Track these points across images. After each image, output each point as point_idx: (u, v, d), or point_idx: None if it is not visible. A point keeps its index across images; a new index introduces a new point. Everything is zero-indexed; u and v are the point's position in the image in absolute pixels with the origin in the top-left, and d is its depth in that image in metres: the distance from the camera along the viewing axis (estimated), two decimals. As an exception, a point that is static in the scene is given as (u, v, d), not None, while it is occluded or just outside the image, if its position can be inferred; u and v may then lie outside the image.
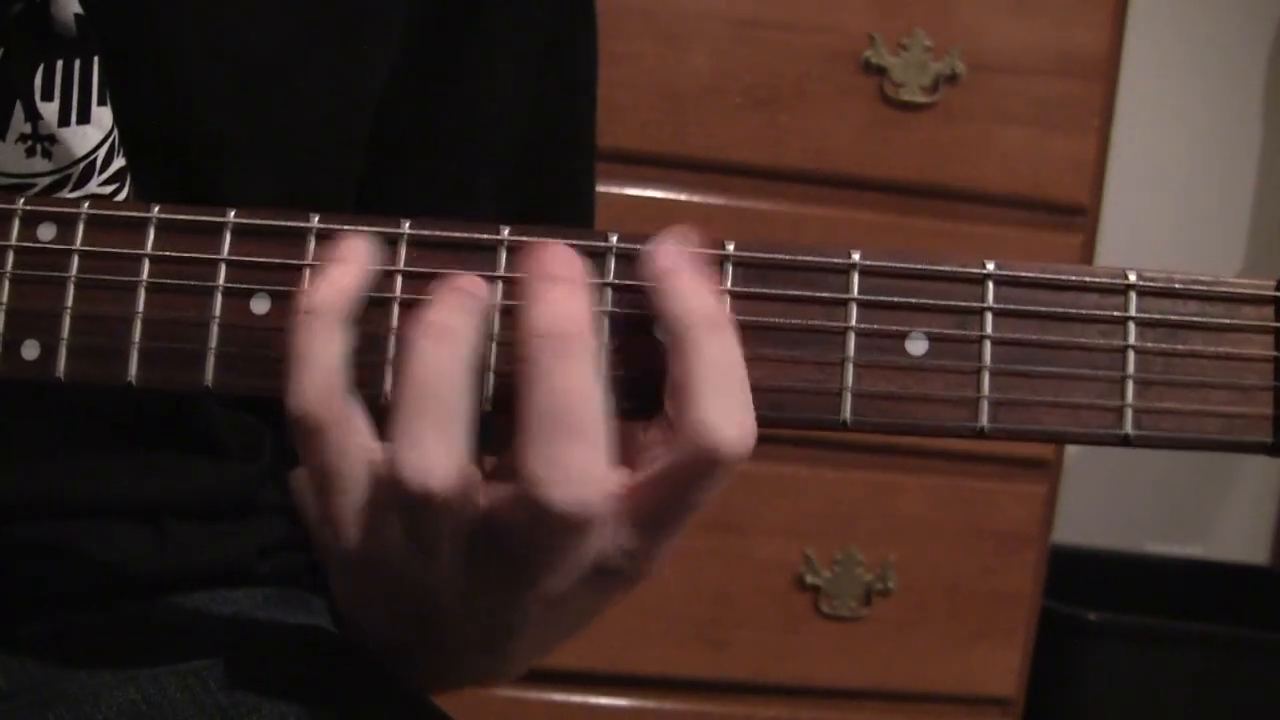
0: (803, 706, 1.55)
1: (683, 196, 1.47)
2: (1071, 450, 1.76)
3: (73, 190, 0.62)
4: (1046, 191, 1.52)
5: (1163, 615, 1.82)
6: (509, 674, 0.60)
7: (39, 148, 0.61)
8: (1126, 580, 1.99)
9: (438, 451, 0.48)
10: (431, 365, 0.48)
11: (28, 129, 0.61)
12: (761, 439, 0.50)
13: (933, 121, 1.49)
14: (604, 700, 1.51)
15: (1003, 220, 1.52)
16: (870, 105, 1.48)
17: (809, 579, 1.52)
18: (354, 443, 0.50)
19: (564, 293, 0.49)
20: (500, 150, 0.74)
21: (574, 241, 0.50)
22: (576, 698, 1.50)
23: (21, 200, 0.53)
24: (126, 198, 0.63)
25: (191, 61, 0.64)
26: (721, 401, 0.48)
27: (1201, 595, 1.99)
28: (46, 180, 0.62)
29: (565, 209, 0.77)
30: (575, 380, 0.48)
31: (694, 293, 0.49)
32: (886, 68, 1.47)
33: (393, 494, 0.49)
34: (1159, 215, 2.11)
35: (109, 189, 0.63)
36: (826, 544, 1.52)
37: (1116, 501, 2.11)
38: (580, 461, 0.47)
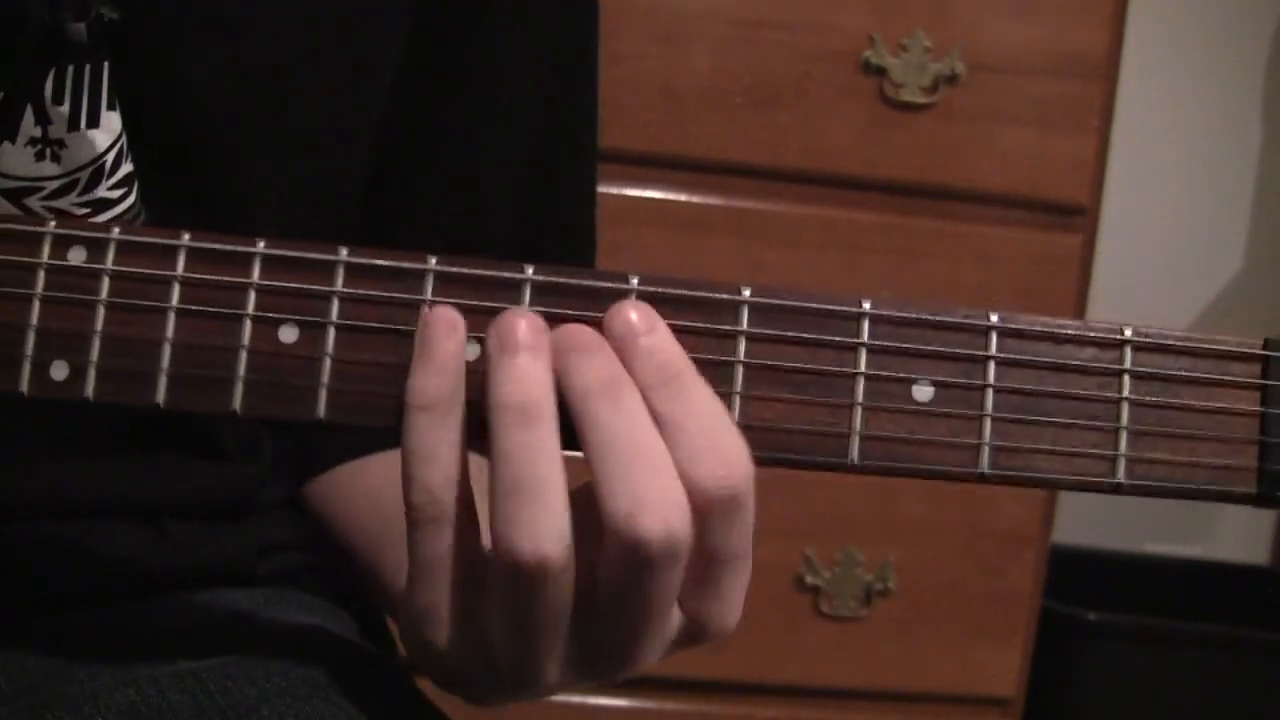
0: (803, 706, 1.55)
1: (682, 196, 1.47)
2: (1071, 450, 1.76)
3: (80, 194, 0.62)
4: (1046, 191, 1.52)
5: (1163, 615, 1.82)
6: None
7: (48, 151, 0.61)
8: (1126, 580, 1.99)
9: (545, 523, 0.48)
10: (521, 451, 0.48)
11: (38, 132, 0.61)
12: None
13: (932, 122, 1.49)
14: (604, 700, 1.51)
15: (1002, 220, 1.52)
16: (870, 105, 1.48)
17: (809, 579, 1.52)
18: (468, 533, 0.50)
19: (601, 354, 0.49)
20: (511, 154, 0.74)
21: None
22: (576, 698, 1.50)
23: (53, 223, 0.53)
24: (134, 202, 0.63)
25: (195, 65, 0.64)
26: (704, 445, 0.49)
27: (1201, 595, 1.99)
28: (55, 184, 0.62)
29: (576, 214, 0.77)
30: (632, 414, 0.48)
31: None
32: (886, 68, 1.47)
33: (500, 577, 0.49)
34: (1159, 215, 2.11)
35: (117, 193, 0.63)
36: (826, 544, 1.52)
37: (1116, 501, 2.10)
38: (658, 484, 0.48)
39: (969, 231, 1.51)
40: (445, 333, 0.50)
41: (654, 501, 0.48)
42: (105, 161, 0.62)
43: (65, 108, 0.61)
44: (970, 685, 1.57)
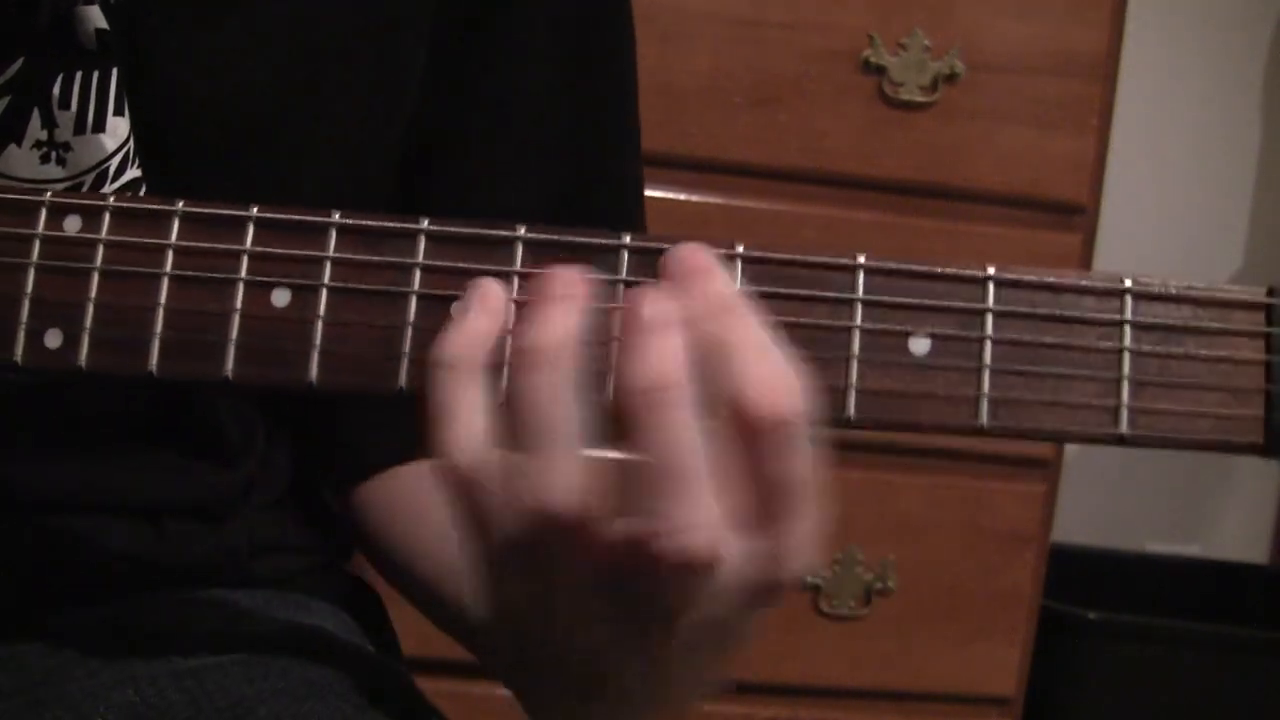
0: (803, 706, 1.55)
1: (682, 196, 1.47)
2: (1071, 450, 1.76)
3: None
4: (1046, 191, 1.52)
5: (1163, 615, 1.82)
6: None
7: (53, 154, 0.61)
8: (1126, 580, 2.00)
9: (555, 473, 0.47)
10: (533, 393, 0.47)
11: (43, 136, 0.61)
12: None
13: (932, 121, 1.49)
14: (604, 700, 1.51)
15: (1002, 220, 1.52)
16: (869, 105, 1.48)
17: (809, 578, 1.52)
18: (498, 492, 0.49)
19: (659, 346, 0.48)
20: (536, 149, 0.73)
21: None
22: (576, 698, 1.50)
23: (49, 193, 0.53)
24: None
25: (209, 71, 0.64)
26: (760, 370, 0.48)
27: (1201, 595, 1.99)
28: (59, 187, 0.62)
29: (611, 205, 0.76)
30: (681, 431, 0.47)
31: (714, 284, 0.49)
32: (886, 67, 1.47)
33: (521, 529, 0.48)
34: (1159, 215, 2.11)
35: None
36: (826, 544, 1.52)
37: (1116, 501, 2.11)
38: (695, 512, 0.47)
39: (969, 231, 1.51)
40: (478, 301, 0.50)
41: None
42: (109, 166, 0.62)
43: (72, 112, 0.61)
44: (970, 685, 1.57)
